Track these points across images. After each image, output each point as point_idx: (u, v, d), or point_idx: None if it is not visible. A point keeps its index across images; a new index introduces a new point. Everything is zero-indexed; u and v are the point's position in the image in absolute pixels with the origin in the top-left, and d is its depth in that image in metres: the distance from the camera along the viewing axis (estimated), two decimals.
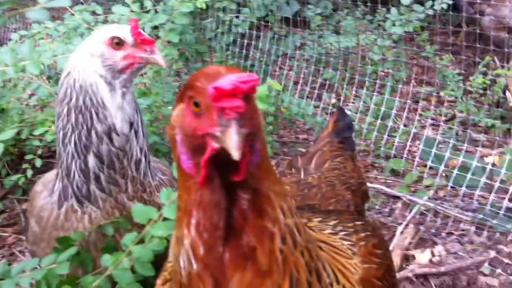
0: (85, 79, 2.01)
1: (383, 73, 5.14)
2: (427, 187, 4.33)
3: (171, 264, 1.35)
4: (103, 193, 2.07)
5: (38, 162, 3.83)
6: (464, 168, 4.02)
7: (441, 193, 4.28)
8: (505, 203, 3.73)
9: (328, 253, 1.38)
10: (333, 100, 5.56)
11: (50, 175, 2.35)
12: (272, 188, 1.18)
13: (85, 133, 2.02)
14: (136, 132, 2.07)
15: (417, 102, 5.24)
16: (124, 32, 2.05)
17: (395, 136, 4.63)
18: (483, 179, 3.87)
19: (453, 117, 5.29)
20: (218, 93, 1.07)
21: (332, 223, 1.64)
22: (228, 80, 1.08)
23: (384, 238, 1.84)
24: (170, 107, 3.68)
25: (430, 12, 4.51)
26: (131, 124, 2.05)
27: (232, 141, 1.05)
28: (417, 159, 4.37)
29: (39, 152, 3.88)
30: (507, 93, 5.41)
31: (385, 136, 4.66)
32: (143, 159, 2.11)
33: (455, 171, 4.03)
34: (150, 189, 2.12)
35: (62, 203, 2.12)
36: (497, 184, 3.84)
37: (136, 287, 1.87)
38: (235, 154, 1.05)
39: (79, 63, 2.03)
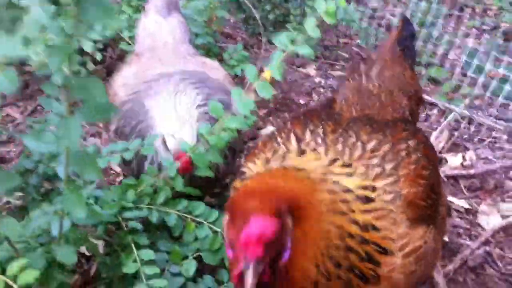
0: None
1: None
2: (464, 96, 4.49)
3: None
4: None
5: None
6: (504, 80, 4.14)
7: (477, 102, 4.45)
8: None
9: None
10: (376, 4, 5.61)
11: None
12: (303, 261, 1.52)
13: None
14: None
15: (462, 10, 5.26)
16: None
17: (439, 44, 4.72)
18: None
19: (496, 27, 5.32)
20: (244, 242, 1.36)
21: (383, 150, 1.82)
22: (252, 232, 1.36)
23: (432, 150, 2.06)
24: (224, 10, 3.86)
25: None
26: None
27: (247, 284, 1.35)
28: (458, 69, 4.48)
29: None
30: None
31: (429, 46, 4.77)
32: None
33: (494, 81, 4.16)
34: None
35: None
36: None
37: (208, 172, 2.19)
38: None
39: None
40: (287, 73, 4.69)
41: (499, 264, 3.04)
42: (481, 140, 4.07)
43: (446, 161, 3.85)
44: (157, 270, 1.90)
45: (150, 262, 1.94)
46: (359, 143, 1.84)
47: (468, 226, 3.31)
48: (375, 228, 1.66)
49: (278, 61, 2.14)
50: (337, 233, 1.57)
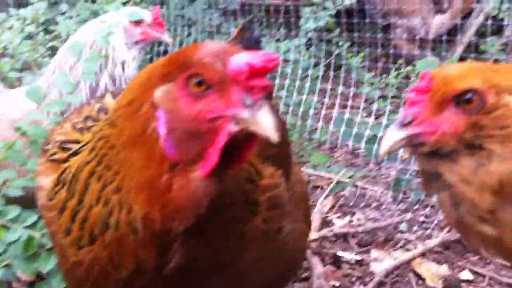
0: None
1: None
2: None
3: None
4: None
5: None
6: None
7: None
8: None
9: None
10: None
11: None
12: None
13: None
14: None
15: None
16: (144, 14, 2.77)
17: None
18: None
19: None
20: (250, 71, 0.99)
21: None
22: (254, 58, 1.00)
23: None
24: None
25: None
26: None
27: (269, 123, 0.99)
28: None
29: None
30: None
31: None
32: None
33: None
34: None
35: None
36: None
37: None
38: (274, 136, 0.99)
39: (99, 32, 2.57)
40: None
41: None
42: (367, 206, 3.92)
43: (333, 224, 3.63)
44: None
45: None
46: None
47: (360, 275, 3.00)
48: None
49: None
50: None
